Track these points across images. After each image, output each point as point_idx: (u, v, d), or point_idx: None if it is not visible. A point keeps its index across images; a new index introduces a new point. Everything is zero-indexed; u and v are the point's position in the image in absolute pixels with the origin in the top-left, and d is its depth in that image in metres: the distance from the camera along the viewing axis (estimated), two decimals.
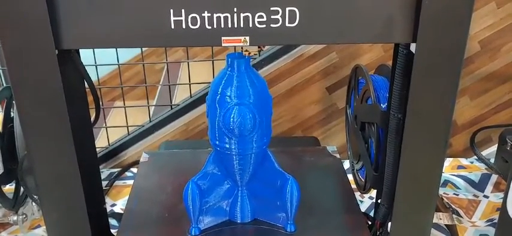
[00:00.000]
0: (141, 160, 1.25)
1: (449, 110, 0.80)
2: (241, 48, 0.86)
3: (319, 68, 1.65)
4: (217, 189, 0.98)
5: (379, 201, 1.03)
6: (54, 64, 0.73)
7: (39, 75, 0.74)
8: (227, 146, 0.92)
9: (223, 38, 0.73)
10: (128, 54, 2.29)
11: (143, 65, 1.74)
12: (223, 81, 0.89)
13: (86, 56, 1.03)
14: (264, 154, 0.96)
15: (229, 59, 0.89)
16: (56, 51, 0.73)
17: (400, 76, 0.86)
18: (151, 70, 2.29)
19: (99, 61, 1.67)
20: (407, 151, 0.84)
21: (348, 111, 1.32)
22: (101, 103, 1.02)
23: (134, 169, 1.65)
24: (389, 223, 0.96)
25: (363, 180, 1.21)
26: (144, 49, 1.96)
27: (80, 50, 0.88)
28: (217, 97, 0.89)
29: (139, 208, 1.06)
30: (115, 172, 1.66)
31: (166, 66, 1.80)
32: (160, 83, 2.21)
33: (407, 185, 0.88)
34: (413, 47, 0.77)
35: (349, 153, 1.33)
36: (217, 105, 0.89)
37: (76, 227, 0.87)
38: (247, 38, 0.74)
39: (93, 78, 0.93)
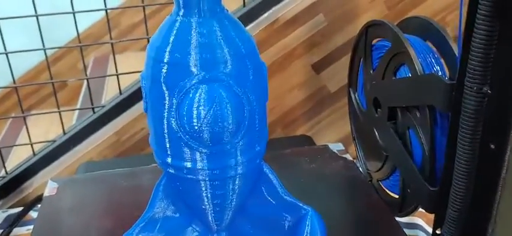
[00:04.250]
0: (46, 192, 0.86)
1: None
2: None
3: (302, 38, 1.28)
4: None
5: (438, 231, 0.74)
6: None
7: None
8: (188, 165, 0.51)
9: None
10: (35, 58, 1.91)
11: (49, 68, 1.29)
12: (172, 36, 0.48)
13: None
14: (258, 174, 0.55)
15: None
16: None
17: (489, 17, 0.55)
18: (74, 71, 1.94)
19: None
20: None
21: (353, 95, 1.02)
22: None
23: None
24: None
25: (391, 195, 0.91)
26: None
27: None
28: (163, 69, 0.48)
29: None
30: (15, 213, 1.23)
31: (83, 65, 1.37)
32: (83, 81, 1.78)
33: None
34: None
35: (359, 156, 1.02)
36: (164, 87, 0.48)
37: None
38: None
39: None
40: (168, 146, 0.50)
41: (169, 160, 0.51)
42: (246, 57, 0.49)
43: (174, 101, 0.48)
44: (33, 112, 1.86)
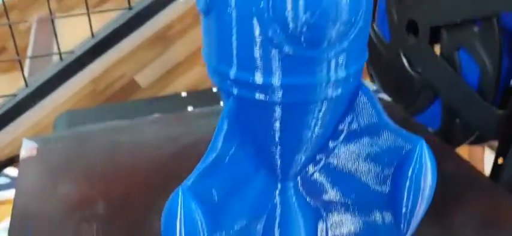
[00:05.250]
0: (22, 154, 0.64)
1: None
2: None
3: None
4: (240, 194, 0.40)
5: (500, 161, 0.66)
6: None
7: None
8: (259, 80, 0.35)
9: None
10: None
11: None
12: None
13: None
14: (351, 101, 0.40)
15: None
16: None
17: None
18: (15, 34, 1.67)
19: None
20: None
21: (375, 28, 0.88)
22: None
23: (12, 172, 1.02)
24: None
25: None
26: None
27: None
28: None
29: None
30: None
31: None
32: (31, 43, 1.56)
33: None
34: None
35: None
36: None
37: None
38: None
39: None
40: (235, 52, 0.35)
41: (233, 72, 0.35)
42: None
43: None
44: None
